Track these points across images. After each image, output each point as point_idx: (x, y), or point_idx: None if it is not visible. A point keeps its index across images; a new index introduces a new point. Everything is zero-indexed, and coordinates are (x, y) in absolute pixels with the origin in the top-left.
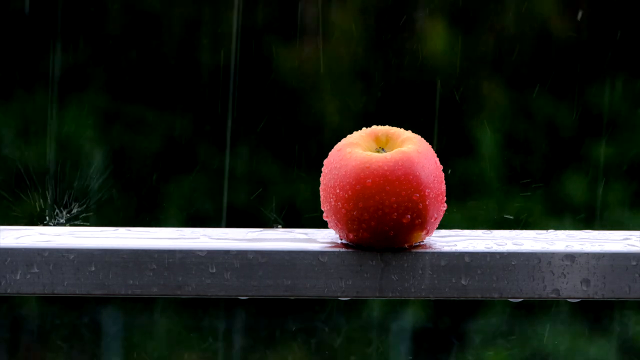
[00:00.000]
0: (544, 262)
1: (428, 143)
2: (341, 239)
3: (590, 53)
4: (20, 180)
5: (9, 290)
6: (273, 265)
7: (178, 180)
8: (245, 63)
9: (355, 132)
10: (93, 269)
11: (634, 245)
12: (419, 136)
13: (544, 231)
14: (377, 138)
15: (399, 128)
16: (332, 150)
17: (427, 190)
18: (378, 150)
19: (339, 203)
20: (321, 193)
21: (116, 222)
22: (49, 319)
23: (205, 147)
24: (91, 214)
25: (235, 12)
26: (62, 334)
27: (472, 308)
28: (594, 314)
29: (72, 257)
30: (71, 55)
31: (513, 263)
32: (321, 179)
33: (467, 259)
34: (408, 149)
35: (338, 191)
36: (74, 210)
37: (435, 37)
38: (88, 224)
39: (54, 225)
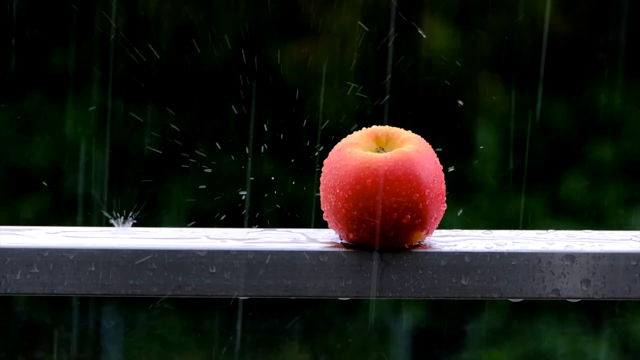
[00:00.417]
0: (544, 262)
1: (428, 143)
2: (341, 239)
3: (590, 53)
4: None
5: (9, 290)
6: (273, 265)
7: (178, 180)
8: (245, 63)
9: (355, 132)
10: (93, 269)
11: (634, 245)
12: (419, 136)
13: (544, 231)
14: (377, 138)
15: (399, 128)
16: (332, 150)
17: (427, 190)
18: (378, 150)
19: (339, 203)
20: (321, 193)
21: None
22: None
23: (205, 146)
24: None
25: (236, 11)
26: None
27: (472, 308)
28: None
29: (72, 257)
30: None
31: (513, 263)
32: (321, 179)
33: (467, 259)
34: (408, 149)
35: (338, 191)
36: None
37: (436, 37)
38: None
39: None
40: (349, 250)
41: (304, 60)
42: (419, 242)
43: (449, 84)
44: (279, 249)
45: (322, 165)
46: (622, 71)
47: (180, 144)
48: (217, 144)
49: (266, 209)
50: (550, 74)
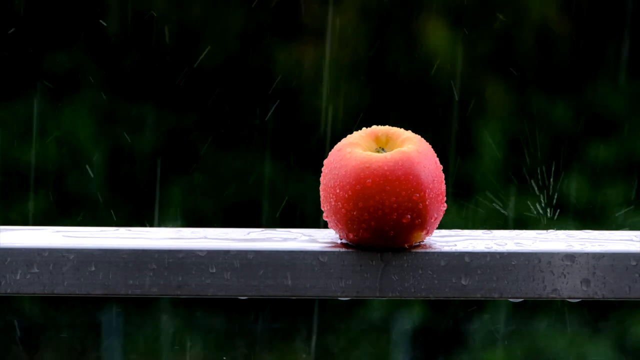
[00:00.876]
0: (544, 262)
1: (428, 143)
2: (341, 239)
3: (590, 53)
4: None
5: (9, 290)
6: (273, 265)
7: (178, 180)
8: (245, 63)
9: (355, 132)
10: (93, 269)
11: (634, 245)
12: (419, 136)
13: (544, 231)
14: (377, 138)
15: (399, 128)
16: (332, 150)
17: (427, 190)
18: (378, 150)
19: (339, 203)
20: (321, 193)
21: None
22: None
23: (205, 146)
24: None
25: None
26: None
27: (472, 308)
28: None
29: (72, 257)
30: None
31: (513, 263)
32: (321, 179)
33: (467, 259)
34: (408, 149)
35: (338, 191)
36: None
37: (436, 37)
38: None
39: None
40: (349, 250)
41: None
42: (419, 242)
43: (449, 84)
44: (279, 249)
45: (321, 165)
46: (623, 71)
47: (181, 143)
48: (217, 144)
49: (266, 209)
50: (551, 74)
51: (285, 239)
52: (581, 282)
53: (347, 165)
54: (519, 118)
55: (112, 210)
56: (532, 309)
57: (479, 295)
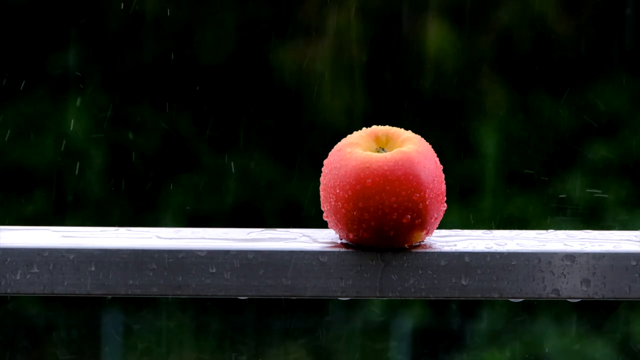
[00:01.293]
0: (544, 262)
1: (428, 143)
2: (341, 239)
3: (590, 53)
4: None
5: (9, 290)
6: (273, 265)
7: (178, 180)
8: (245, 63)
9: (355, 132)
10: (93, 269)
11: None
12: (419, 136)
13: (544, 231)
14: (377, 138)
15: (399, 128)
16: (332, 150)
17: (427, 190)
18: (378, 150)
19: (339, 203)
20: (321, 193)
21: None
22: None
23: (206, 147)
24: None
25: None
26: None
27: (472, 308)
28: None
29: (72, 257)
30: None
31: (513, 263)
32: (321, 179)
33: (467, 259)
34: (408, 149)
35: (338, 191)
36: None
37: (436, 37)
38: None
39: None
40: (349, 250)
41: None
42: (419, 242)
43: (449, 83)
44: (279, 249)
45: (321, 165)
46: (623, 71)
47: (181, 143)
48: (217, 144)
49: (266, 209)
50: (551, 74)
51: (285, 239)
52: (581, 282)
53: (347, 165)
54: (519, 118)
55: (112, 211)
56: (532, 309)
57: (479, 295)
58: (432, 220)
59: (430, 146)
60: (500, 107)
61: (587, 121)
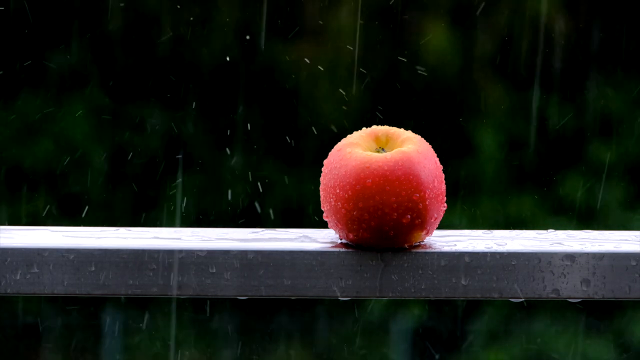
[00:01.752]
0: (544, 262)
1: (428, 143)
2: (341, 239)
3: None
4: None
5: (9, 290)
6: (273, 265)
7: (178, 180)
8: (245, 62)
9: (355, 132)
10: (93, 269)
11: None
12: (419, 136)
13: (544, 231)
14: (377, 138)
15: (398, 128)
16: (332, 150)
17: (427, 190)
18: (378, 150)
19: (339, 203)
20: (321, 193)
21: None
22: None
23: (206, 146)
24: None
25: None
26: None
27: (472, 308)
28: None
29: (72, 257)
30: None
31: (513, 263)
32: (321, 179)
33: (467, 259)
34: (408, 149)
35: (338, 191)
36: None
37: (436, 37)
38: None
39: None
40: (349, 250)
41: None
42: (419, 242)
43: (448, 83)
44: (279, 249)
45: (321, 165)
46: (623, 71)
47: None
48: (217, 144)
49: (266, 209)
50: (550, 74)
51: (285, 239)
52: (581, 282)
53: (347, 165)
54: (519, 118)
55: (112, 211)
56: (532, 309)
57: (479, 295)
58: (432, 220)
59: (430, 146)
60: (500, 107)
61: (587, 121)
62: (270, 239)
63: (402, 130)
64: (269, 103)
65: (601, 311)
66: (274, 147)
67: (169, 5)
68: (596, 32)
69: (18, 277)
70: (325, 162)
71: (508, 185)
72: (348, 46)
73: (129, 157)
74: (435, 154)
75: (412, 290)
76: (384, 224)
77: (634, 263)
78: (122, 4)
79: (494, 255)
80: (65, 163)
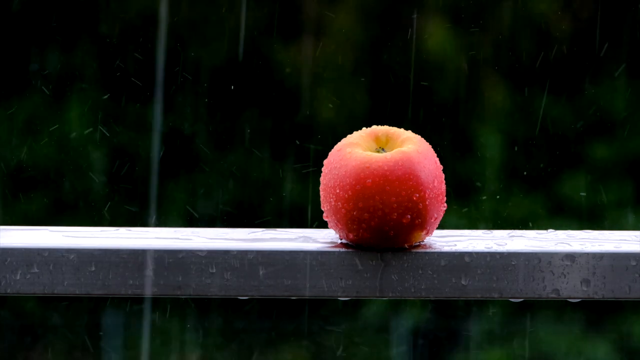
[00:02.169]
0: (544, 262)
1: (428, 143)
2: (341, 239)
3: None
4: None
5: (9, 290)
6: (273, 265)
7: (178, 180)
8: (245, 63)
9: (355, 132)
10: (93, 269)
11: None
12: (419, 136)
13: (544, 231)
14: (377, 138)
15: (399, 128)
16: (332, 150)
17: (427, 190)
18: (378, 150)
19: (339, 203)
20: (321, 193)
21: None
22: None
23: (206, 146)
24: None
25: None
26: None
27: (472, 308)
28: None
29: (72, 257)
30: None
31: (513, 263)
32: (321, 179)
33: (467, 259)
34: (408, 149)
35: (338, 191)
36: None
37: (435, 37)
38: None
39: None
40: (349, 250)
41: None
42: (419, 242)
43: (449, 83)
44: (279, 249)
45: (321, 165)
46: (623, 71)
47: (181, 143)
48: (217, 143)
49: (266, 209)
50: (551, 74)
51: (285, 239)
52: (581, 282)
53: (347, 165)
54: (519, 118)
55: (112, 211)
56: (532, 309)
57: (479, 295)
58: (432, 220)
59: (430, 146)
60: (500, 107)
61: (587, 121)
62: (270, 239)
63: (402, 130)
64: (269, 103)
65: (601, 311)
66: (274, 147)
67: (169, 5)
68: (597, 32)
69: (18, 277)
70: (325, 162)
71: (508, 185)
72: (348, 46)
73: (129, 157)
74: (435, 154)
75: (412, 290)
76: (384, 224)
77: (634, 263)
78: (122, 4)
79: (494, 255)
80: (65, 163)
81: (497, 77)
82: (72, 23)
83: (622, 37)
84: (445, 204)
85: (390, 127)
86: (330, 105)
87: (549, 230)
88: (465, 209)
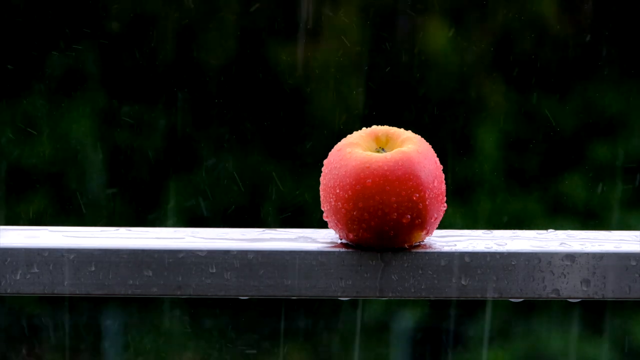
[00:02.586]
0: (544, 262)
1: (428, 143)
2: (341, 239)
3: (590, 52)
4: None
5: (9, 290)
6: (273, 265)
7: (178, 180)
8: (244, 62)
9: (355, 132)
10: (93, 269)
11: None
12: (419, 136)
13: (544, 231)
14: (377, 138)
15: (398, 128)
16: (332, 150)
17: (427, 191)
18: (378, 150)
19: (339, 203)
20: (321, 193)
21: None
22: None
23: (206, 146)
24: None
25: (235, 11)
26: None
27: (472, 308)
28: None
29: (72, 257)
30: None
31: (513, 263)
32: (321, 179)
33: (467, 259)
34: (408, 149)
35: (338, 191)
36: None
37: (435, 37)
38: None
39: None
40: (349, 250)
41: (303, 60)
42: (419, 242)
43: (448, 83)
44: (279, 249)
45: (321, 165)
46: (623, 71)
47: (181, 144)
48: (217, 144)
49: (266, 209)
50: (551, 74)
51: (285, 239)
52: (581, 282)
53: (347, 165)
54: (519, 118)
55: (112, 211)
56: (532, 309)
57: (479, 295)
58: (432, 220)
59: (430, 146)
60: (500, 106)
61: (587, 121)
62: (270, 239)
63: (402, 130)
64: (269, 103)
65: (601, 311)
66: (274, 147)
67: (169, 5)
68: (597, 32)
69: (18, 277)
70: (325, 162)
71: (508, 185)
72: (348, 46)
73: (129, 157)
74: (435, 154)
75: (412, 290)
76: (384, 224)
77: (634, 263)
78: (122, 4)
79: (494, 255)
80: (65, 163)
81: (497, 76)
82: (73, 23)
83: (623, 37)
84: (445, 204)
85: (390, 127)
86: (330, 105)
87: (549, 230)
88: (465, 209)
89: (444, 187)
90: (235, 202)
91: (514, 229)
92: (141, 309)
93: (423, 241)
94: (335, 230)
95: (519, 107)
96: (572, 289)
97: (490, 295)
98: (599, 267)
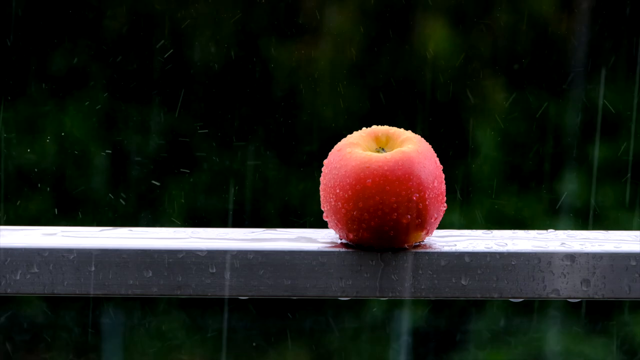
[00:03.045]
0: (544, 262)
1: (428, 143)
2: (341, 239)
3: (590, 52)
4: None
5: (9, 290)
6: (273, 265)
7: (178, 180)
8: (244, 63)
9: (355, 132)
10: (93, 269)
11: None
12: (419, 136)
13: (544, 231)
14: (377, 138)
15: (398, 128)
16: (332, 150)
17: (427, 190)
18: (378, 150)
19: (339, 203)
20: (321, 193)
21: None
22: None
23: (205, 147)
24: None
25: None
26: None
27: (472, 308)
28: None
29: (72, 257)
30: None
31: (513, 263)
32: (321, 179)
33: (467, 259)
34: (408, 149)
35: (338, 191)
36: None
37: (435, 37)
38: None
39: None
40: (349, 250)
41: (303, 60)
42: (419, 242)
43: (448, 83)
44: (279, 249)
45: (321, 165)
46: (623, 71)
47: (181, 144)
48: (217, 144)
49: (266, 209)
50: (550, 74)
51: (285, 239)
52: (581, 282)
53: (347, 165)
54: (519, 118)
55: (112, 211)
56: (532, 309)
57: (479, 295)
58: (432, 220)
59: (430, 146)
60: (500, 106)
61: (587, 121)
62: (270, 239)
63: (402, 130)
64: (269, 103)
65: (601, 311)
66: (274, 147)
67: (169, 5)
68: (597, 32)
69: (18, 277)
70: (325, 162)
71: (508, 185)
72: (348, 46)
73: (129, 157)
74: (435, 154)
75: (412, 290)
76: (384, 224)
77: (634, 263)
78: (122, 4)
79: (494, 255)
80: (65, 163)
81: (497, 76)
82: (73, 23)
83: (623, 37)
84: (445, 204)
85: (390, 127)
86: (330, 105)
87: (549, 230)
88: (465, 209)
89: (443, 187)
90: (235, 202)
91: (514, 229)
92: (141, 309)
93: (423, 241)
94: (335, 230)
95: (520, 106)
96: (572, 289)
97: (490, 295)
98: (599, 267)
